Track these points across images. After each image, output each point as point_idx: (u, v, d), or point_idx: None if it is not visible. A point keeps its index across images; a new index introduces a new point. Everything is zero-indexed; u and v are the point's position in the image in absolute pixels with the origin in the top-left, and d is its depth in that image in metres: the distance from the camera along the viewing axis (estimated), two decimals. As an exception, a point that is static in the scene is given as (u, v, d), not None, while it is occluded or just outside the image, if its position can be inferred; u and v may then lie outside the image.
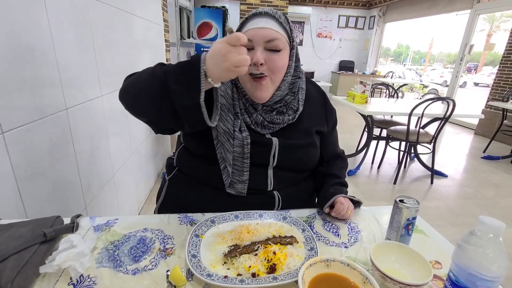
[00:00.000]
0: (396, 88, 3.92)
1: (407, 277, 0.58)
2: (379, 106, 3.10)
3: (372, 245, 0.61)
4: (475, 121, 4.97)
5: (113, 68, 1.51)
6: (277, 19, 0.74)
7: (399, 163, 2.93)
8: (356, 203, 0.83)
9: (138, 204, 1.99)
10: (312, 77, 7.23)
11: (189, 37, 4.91)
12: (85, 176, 1.20)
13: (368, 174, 3.07)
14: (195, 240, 0.64)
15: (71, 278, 0.54)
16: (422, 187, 2.79)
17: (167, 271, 0.56)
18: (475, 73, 18.90)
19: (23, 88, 0.84)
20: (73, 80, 1.10)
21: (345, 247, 0.69)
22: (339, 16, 8.20)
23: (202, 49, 5.36)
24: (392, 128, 2.94)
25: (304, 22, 8.15)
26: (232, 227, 0.70)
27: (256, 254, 0.60)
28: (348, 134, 4.42)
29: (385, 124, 3.29)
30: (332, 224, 0.77)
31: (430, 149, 2.80)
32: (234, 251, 0.60)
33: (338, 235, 0.73)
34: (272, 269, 0.57)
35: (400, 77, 9.63)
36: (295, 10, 7.55)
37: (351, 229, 0.76)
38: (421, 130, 2.74)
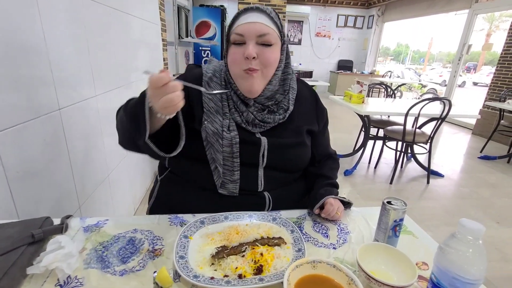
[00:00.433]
0: (394, 88, 3.92)
1: (393, 278, 0.59)
2: (376, 106, 3.10)
3: (359, 247, 0.62)
4: (473, 121, 4.98)
5: (108, 67, 1.51)
6: (268, 14, 0.75)
7: (396, 163, 2.94)
8: (347, 204, 0.83)
9: (134, 204, 1.99)
10: (311, 77, 7.23)
11: (187, 36, 4.90)
12: (79, 176, 1.20)
13: (365, 174, 3.08)
14: (184, 241, 0.65)
15: (58, 279, 0.54)
16: (418, 187, 2.80)
17: (154, 272, 0.56)
18: (474, 72, 18.92)
19: (15, 88, 0.84)
20: (66, 80, 1.10)
21: (334, 248, 0.69)
22: (338, 15, 8.21)
23: (200, 48, 5.36)
24: (389, 128, 2.95)
25: (302, 22, 8.15)
26: (221, 228, 0.70)
27: (243, 256, 0.61)
28: (346, 134, 4.43)
29: (382, 124, 3.29)
30: (322, 225, 0.78)
31: (426, 149, 2.80)
32: (222, 252, 0.60)
33: (327, 236, 0.74)
34: (259, 270, 0.58)
35: (398, 76, 9.64)
36: (293, 9, 7.55)
37: (341, 230, 0.76)
38: (417, 130, 2.74)
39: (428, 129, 2.86)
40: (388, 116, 3.47)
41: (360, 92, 3.03)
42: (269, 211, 0.82)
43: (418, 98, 2.89)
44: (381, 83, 4.01)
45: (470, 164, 3.51)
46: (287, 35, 8.09)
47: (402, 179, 2.99)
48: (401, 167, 3.25)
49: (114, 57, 1.58)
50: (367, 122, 3.01)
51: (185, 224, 0.72)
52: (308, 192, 0.89)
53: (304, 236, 0.72)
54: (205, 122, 0.76)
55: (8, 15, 0.81)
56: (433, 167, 3.17)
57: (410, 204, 2.45)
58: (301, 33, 8.29)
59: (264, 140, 0.78)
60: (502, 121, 3.79)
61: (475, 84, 16.60)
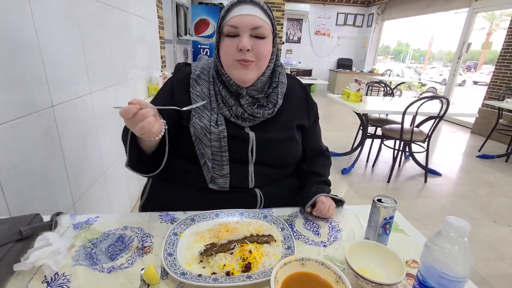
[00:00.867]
0: (392, 87, 3.92)
1: (382, 276, 0.59)
2: (374, 105, 3.10)
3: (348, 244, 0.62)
4: (472, 120, 4.98)
5: (104, 65, 1.51)
6: (261, 6, 0.75)
7: (394, 162, 2.94)
8: (339, 202, 0.83)
9: (130, 202, 1.99)
10: (310, 75, 7.22)
11: (186, 34, 4.88)
12: (73, 174, 1.20)
13: (363, 172, 3.08)
14: (173, 239, 0.64)
15: (45, 276, 0.54)
16: (416, 185, 2.80)
17: (142, 269, 0.56)
18: (475, 71, 18.88)
19: (6, 84, 0.83)
20: (60, 76, 1.10)
21: (324, 246, 0.69)
22: (338, 13, 8.18)
23: (199, 46, 5.34)
24: (387, 126, 2.94)
25: (302, 20, 8.12)
26: (211, 226, 0.70)
27: (232, 253, 0.61)
28: (344, 132, 4.43)
29: (380, 122, 3.29)
30: (313, 223, 0.78)
31: (424, 147, 2.80)
32: (210, 250, 0.60)
33: (318, 234, 0.73)
34: (247, 267, 0.57)
35: (398, 75, 9.62)
36: (293, 8, 7.53)
37: (332, 228, 0.76)
38: (415, 128, 2.74)
39: (426, 127, 2.86)
40: (386, 115, 3.47)
41: (358, 90, 3.02)
42: (260, 209, 0.82)
43: (417, 97, 2.88)
44: (379, 82, 4.00)
45: (468, 163, 3.51)
46: (286, 33, 8.08)
47: (400, 177, 2.99)
48: (399, 165, 3.25)
49: (110, 54, 1.57)
50: (365, 120, 3.01)
51: (176, 222, 0.72)
52: (300, 190, 0.89)
53: (295, 234, 0.72)
54: (194, 118, 0.76)
55: (-1, 11, 0.80)
56: (431, 165, 3.17)
57: (407, 202, 2.45)
58: (301, 32, 8.27)
59: (252, 135, 0.78)
60: (500, 120, 3.78)
61: (475, 83, 16.57)
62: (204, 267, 0.58)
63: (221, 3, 5.93)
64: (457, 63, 5.45)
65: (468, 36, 5.26)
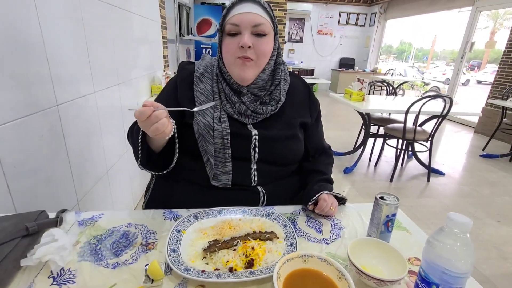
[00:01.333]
0: (395, 86, 3.90)
1: (384, 273, 0.59)
2: (377, 104, 3.09)
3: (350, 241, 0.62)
4: (475, 119, 4.95)
5: (108, 64, 1.52)
6: (262, 4, 0.76)
7: (396, 161, 2.93)
8: (341, 200, 0.83)
9: (133, 200, 2.01)
10: (312, 74, 7.21)
11: (188, 34, 4.90)
12: (77, 172, 1.21)
13: (365, 171, 3.07)
14: (177, 235, 0.65)
15: (51, 271, 0.55)
16: (418, 185, 2.79)
17: (146, 265, 0.56)
18: (478, 70, 18.74)
19: (11, 84, 0.84)
20: (64, 76, 1.11)
21: (326, 243, 0.70)
22: (340, 13, 8.16)
23: (201, 45, 5.36)
24: (390, 125, 2.94)
25: (304, 19, 8.11)
26: (214, 223, 0.71)
27: (235, 249, 0.61)
28: (346, 132, 4.42)
29: (382, 121, 3.28)
30: (315, 221, 0.78)
31: (427, 147, 2.79)
32: (213, 246, 0.61)
33: (320, 231, 0.74)
34: (250, 264, 0.58)
35: (401, 74, 9.57)
36: (295, 7, 7.52)
37: (334, 225, 0.77)
38: (418, 128, 2.73)
39: (429, 127, 2.85)
40: (389, 114, 3.46)
41: (361, 89, 3.02)
42: (263, 206, 0.82)
43: (420, 96, 2.87)
44: (382, 81, 3.99)
45: (472, 162, 3.50)
46: (288, 33, 8.07)
47: (403, 177, 2.98)
48: (402, 165, 3.24)
49: (113, 53, 1.58)
50: (367, 119, 3.01)
51: (179, 219, 0.73)
52: (302, 188, 0.89)
53: (297, 231, 0.73)
54: (197, 115, 0.77)
55: (4, 11, 0.81)
56: (434, 165, 3.16)
57: (410, 202, 2.44)
58: (303, 31, 8.26)
59: (255, 132, 0.79)
60: (504, 119, 3.76)
61: (479, 82, 16.46)
62: (207, 263, 0.59)
63: (223, 3, 5.94)
64: (460, 62, 5.42)
65: (472, 35, 5.23)
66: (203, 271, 0.56)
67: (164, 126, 0.60)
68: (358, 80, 3.09)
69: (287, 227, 0.70)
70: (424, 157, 3.23)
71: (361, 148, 3.17)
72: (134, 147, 0.74)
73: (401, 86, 6.46)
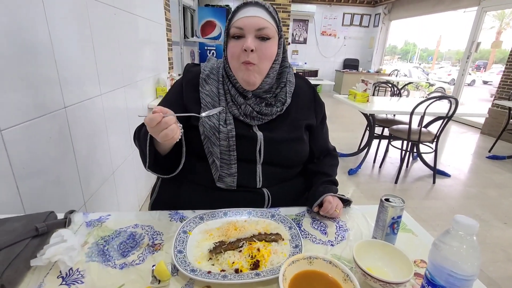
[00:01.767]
0: (400, 87, 3.88)
1: (390, 275, 0.59)
2: (381, 105, 3.08)
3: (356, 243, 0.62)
4: (481, 120, 4.90)
5: (114, 67, 1.54)
6: (267, 8, 0.77)
7: (401, 162, 2.91)
8: (346, 202, 0.84)
9: (138, 201, 2.02)
10: (316, 75, 7.20)
11: (192, 36, 4.93)
12: (84, 174, 1.23)
13: (370, 173, 3.06)
14: (183, 236, 0.66)
15: (60, 271, 0.56)
16: (424, 186, 2.77)
17: (153, 266, 0.57)
18: (484, 71, 18.53)
19: (21, 86, 0.86)
20: (72, 78, 1.13)
21: (331, 245, 0.70)
22: (344, 14, 8.15)
23: (205, 47, 5.38)
24: (394, 127, 2.92)
25: (308, 20, 8.11)
26: (220, 224, 0.71)
27: (240, 251, 0.62)
28: (350, 133, 4.40)
29: (387, 123, 3.26)
30: (320, 222, 0.78)
31: (432, 148, 2.77)
32: (219, 248, 0.61)
33: (325, 233, 0.74)
34: (255, 265, 0.58)
35: (406, 75, 9.51)
36: (299, 8, 7.52)
37: (339, 227, 0.77)
38: (423, 129, 2.71)
39: (434, 128, 2.83)
40: (394, 115, 3.44)
41: (365, 90, 3.01)
42: (268, 208, 0.82)
43: (425, 97, 2.85)
44: (387, 82, 3.97)
45: (478, 164, 3.46)
46: (292, 34, 8.08)
47: (408, 178, 2.96)
48: (407, 166, 3.22)
49: (119, 56, 1.60)
50: (372, 121, 2.99)
51: (185, 220, 0.73)
52: (307, 189, 0.90)
53: (302, 233, 0.73)
54: (203, 117, 0.78)
55: (14, 15, 0.83)
56: (440, 166, 3.13)
57: (415, 203, 2.42)
58: (307, 32, 8.25)
59: (260, 135, 0.79)
60: (511, 120, 3.72)
61: (485, 82, 16.28)
62: (213, 264, 0.59)
63: (227, 5, 5.96)
64: (466, 63, 5.37)
65: (477, 35, 5.19)
66: (209, 272, 0.56)
67: (173, 132, 0.61)
68: (363, 81, 3.08)
69: (292, 228, 0.71)
70: (429, 158, 3.21)
71: (366, 149, 3.16)
72: (141, 150, 0.75)
73: (406, 87, 6.42)
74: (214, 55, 5.35)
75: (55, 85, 1.03)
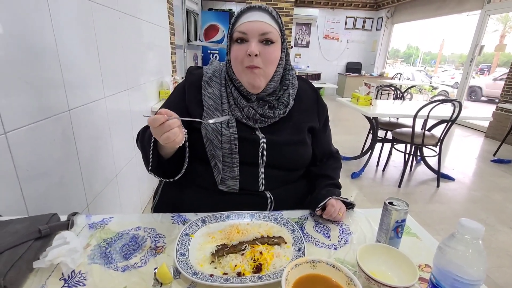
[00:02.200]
0: (403, 90, 3.87)
1: (394, 280, 0.58)
2: (384, 108, 3.07)
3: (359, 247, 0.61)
4: (486, 124, 4.86)
5: (117, 70, 1.55)
6: (270, 12, 0.77)
7: (405, 166, 2.89)
8: (349, 205, 0.83)
9: (141, 203, 2.02)
10: (319, 79, 7.21)
11: (196, 40, 4.96)
12: (87, 176, 1.23)
13: (373, 176, 3.04)
14: (185, 239, 0.65)
15: (62, 273, 0.56)
16: (428, 190, 2.75)
17: (155, 268, 0.57)
18: (488, 74, 18.42)
19: (26, 89, 0.87)
20: (76, 81, 1.14)
21: (335, 248, 0.69)
22: (346, 17, 8.16)
23: (208, 51, 5.42)
24: (398, 130, 2.91)
25: (310, 24, 8.14)
26: (222, 227, 0.71)
27: (243, 254, 0.61)
28: (353, 136, 4.39)
29: (390, 126, 3.25)
30: (323, 226, 0.78)
31: (436, 151, 2.75)
32: (222, 251, 0.61)
33: (328, 236, 0.73)
34: (258, 268, 0.58)
35: (408, 78, 9.48)
36: (301, 12, 7.55)
37: (342, 231, 0.76)
38: (427, 132, 2.70)
39: (438, 131, 2.81)
40: (397, 118, 3.42)
41: (368, 94, 3.00)
42: (271, 211, 0.82)
43: (429, 100, 2.84)
44: (389, 85, 3.96)
45: (482, 167, 3.43)
46: (295, 37, 8.10)
47: (411, 182, 2.94)
48: (410, 170, 3.20)
49: (123, 59, 1.61)
50: (375, 124, 2.98)
51: (187, 223, 0.73)
52: (310, 192, 0.89)
53: (305, 236, 0.72)
54: (205, 120, 0.78)
55: (21, 19, 0.84)
56: (444, 170, 3.11)
57: (419, 207, 2.40)
58: (309, 36, 8.27)
59: (262, 138, 0.79)
60: (516, 123, 3.68)
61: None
62: (215, 268, 0.59)
63: (230, 9, 6.01)
64: (469, 66, 5.35)
65: (481, 39, 5.17)
66: (211, 275, 0.56)
67: (175, 136, 0.61)
68: (365, 84, 3.07)
69: (295, 232, 0.70)
70: (433, 162, 3.18)
71: (369, 152, 3.14)
72: (144, 152, 0.75)
73: (409, 90, 6.40)
74: (217, 59, 5.37)
75: (60, 88, 1.04)
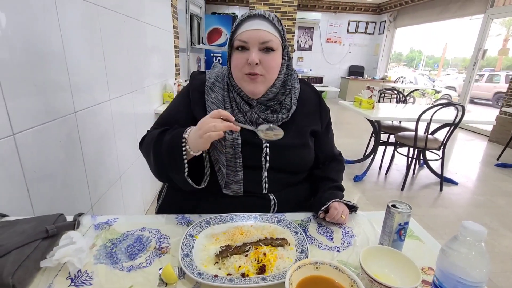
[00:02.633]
0: (406, 94, 3.87)
1: (397, 282, 0.58)
2: (387, 112, 3.07)
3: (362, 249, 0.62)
4: (489, 128, 4.84)
5: (122, 73, 1.57)
6: (271, 20, 0.77)
7: (407, 170, 2.88)
8: (352, 208, 0.83)
9: (144, 205, 2.03)
10: (321, 82, 7.22)
11: (199, 43, 5.00)
12: (92, 177, 1.24)
13: (375, 180, 3.03)
14: (189, 240, 0.66)
15: (69, 272, 0.57)
16: (431, 194, 2.74)
17: (160, 269, 0.58)
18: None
19: (34, 91, 0.89)
20: (82, 84, 1.15)
21: (338, 251, 0.69)
22: (349, 21, 8.20)
23: (212, 54, 5.45)
24: (400, 133, 2.90)
25: (313, 28, 8.18)
26: (226, 229, 0.72)
27: (247, 255, 0.62)
28: (356, 139, 4.38)
29: (393, 129, 3.25)
30: (326, 228, 0.78)
31: (439, 155, 2.74)
32: (226, 252, 0.62)
33: (331, 239, 0.74)
34: (261, 270, 0.58)
35: (411, 82, 9.47)
36: (304, 16, 7.59)
37: (345, 233, 0.76)
38: (430, 136, 2.69)
39: (441, 135, 2.81)
40: (400, 122, 3.42)
41: (370, 97, 3.01)
42: (274, 213, 0.83)
43: (431, 104, 2.83)
44: (392, 89, 3.96)
45: (486, 171, 3.41)
46: (298, 41, 8.14)
47: (414, 186, 2.93)
48: (413, 173, 3.19)
49: (128, 62, 1.63)
50: (377, 127, 2.98)
51: (191, 224, 0.74)
52: (313, 195, 0.89)
53: (308, 238, 0.73)
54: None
55: (29, 23, 0.86)
56: (447, 174, 3.10)
57: (422, 211, 2.39)
58: (312, 39, 8.31)
59: (265, 141, 0.79)
60: (519, 127, 3.67)
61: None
62: (219, 268, 0.59)
63: (233, 13, 6.06)
64: (472, 70, 5.34)
65: (484, 43, 5.16)
66: (215, 276, 0.56)
67: (217, 137, 0.66)
68: (368, 87, 3.08)
69: (298, 234, 0.71)
70: (436, 165, 3.17)
71: (371, 156, 3.14)
72: (170, 157, 0.72)
73: (412, 93, 6.39)
74: (220, 62, 5.42)
75: (66, 91, 1.05)
